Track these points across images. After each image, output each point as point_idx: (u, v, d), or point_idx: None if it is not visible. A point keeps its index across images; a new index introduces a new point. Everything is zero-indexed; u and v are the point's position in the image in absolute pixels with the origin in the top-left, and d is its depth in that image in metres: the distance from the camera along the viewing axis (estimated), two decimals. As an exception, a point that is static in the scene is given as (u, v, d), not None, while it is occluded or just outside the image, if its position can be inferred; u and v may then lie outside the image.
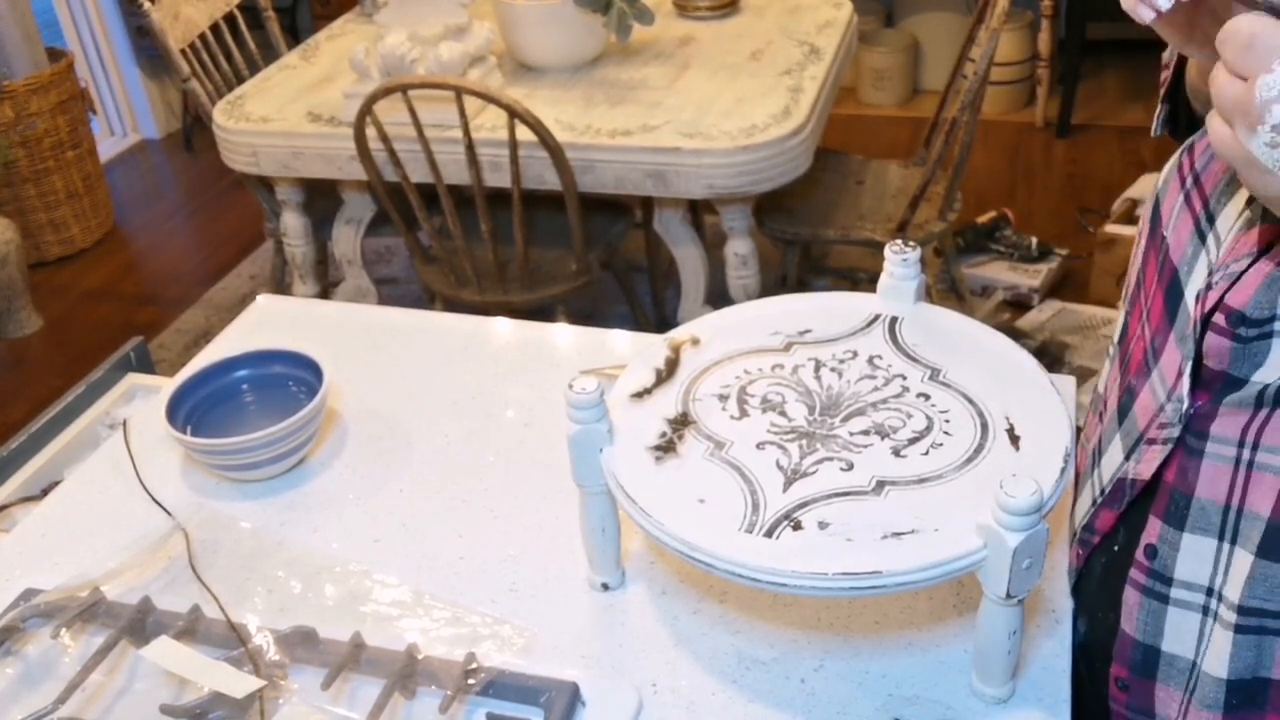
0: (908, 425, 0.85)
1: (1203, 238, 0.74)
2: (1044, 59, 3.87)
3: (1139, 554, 0.81)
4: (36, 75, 3.41)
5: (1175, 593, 0.79)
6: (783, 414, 0.87)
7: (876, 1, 4.17)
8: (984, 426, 0.84)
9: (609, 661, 0.88)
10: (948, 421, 0.85)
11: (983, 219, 3.20)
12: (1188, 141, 0.82)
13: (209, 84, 2.72)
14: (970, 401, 0.87)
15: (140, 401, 1.33)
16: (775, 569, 0.75)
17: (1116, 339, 0.88)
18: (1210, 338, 0.72)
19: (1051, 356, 2.76)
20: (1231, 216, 0.72)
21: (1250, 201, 0.70)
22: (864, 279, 2.95)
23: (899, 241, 0.97)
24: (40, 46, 3.48)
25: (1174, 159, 0.82)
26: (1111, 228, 2.94)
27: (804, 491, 0.80)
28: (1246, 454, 0.73)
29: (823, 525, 0.77)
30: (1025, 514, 0.71)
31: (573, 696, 0.83)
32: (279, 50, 2.83)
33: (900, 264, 0.96)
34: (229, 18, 2.83)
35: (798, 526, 0.77)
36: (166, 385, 1.15)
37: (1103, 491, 0.86)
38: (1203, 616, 0.78)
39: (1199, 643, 0.79)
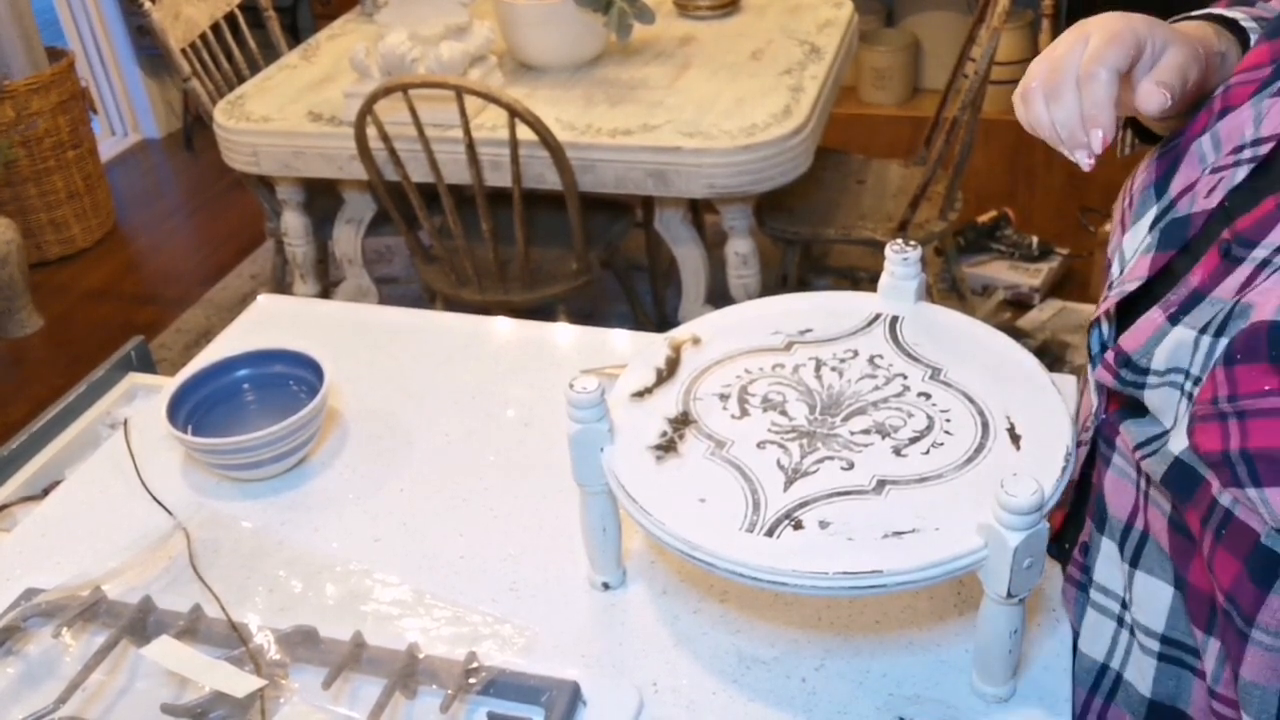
0: (908, 424, 0.85)
1: (1121, 254, 0.77)
2: (1045, 58, 3.87)
3: (1076, 550, 0.84)
4: (37, 75, 3.41)
5: (1094, 595, 0.82)
6: (783, 413, 0.87)
7: (877, 0, 4.17)
8: (985, 426, 0.84)
9: (610, 661, 0.88)
10: (948, 421, 0.85)
11: (983, 218, 3.20)
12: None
13: (209, 83, 2.72)
14: (971, 401, 0.87)
15: (141, 401, 1.33)
16: (776, 568, 0.74)
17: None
18: (1099, 371, 0.73)
19: (1052, 356, 2.76)
20: (1138, 236, 0.74)
21: (1153, 225, 0.71)
22: (865, 278, 2.95)
23: (900, 241, 0.97)
24: (40, 46, 3.48)
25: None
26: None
27: (805, 491, 0.80)
28: (1143, 483, 0.74)
29: (823, 524, 0.77)
30: (1026, 513, 0.71)
31: (573, 696, 0.83)
32: (280, 50, 2.83)
33: (901, 263, 0.96)
34: (230, 17, 2.83)
35: (798, 526, 0.77)
36: (167, 385, 1.15)
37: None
38: (1117, 626, 0.80)
39: (1112, 649, 0.81)
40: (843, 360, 0.92)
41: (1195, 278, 0.67)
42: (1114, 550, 0.79)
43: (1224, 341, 0.64)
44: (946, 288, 2.85)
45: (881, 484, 0.80)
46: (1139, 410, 0.73)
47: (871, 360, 0.92)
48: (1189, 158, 0.72)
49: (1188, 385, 0.67)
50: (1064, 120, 0.71)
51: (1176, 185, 0.72)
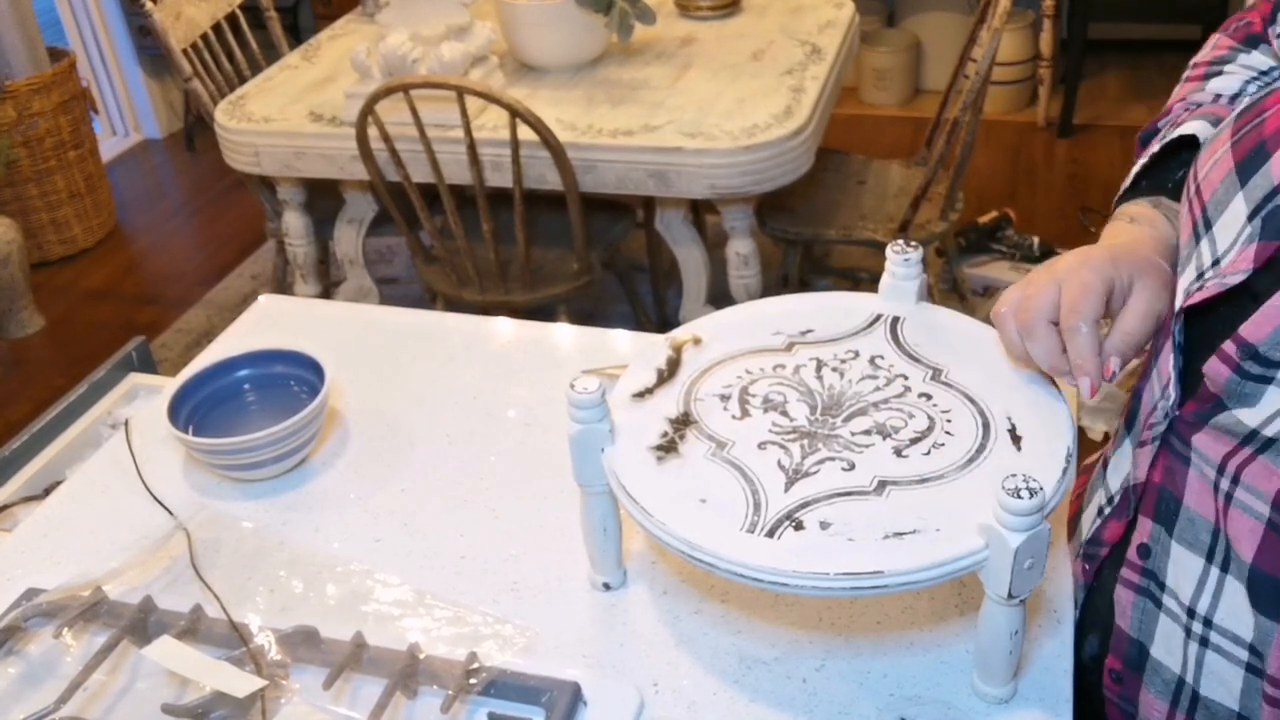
0: (909, 425, 0.85)
1: (1198, 239, 0.75)
2: (1046, 59, 3.87)
3: (1131, 553, 0.82)
4: (38, 75, 3.41)
5: (1166, 600, 0.80)
6: (784, 414, 0.87)
7: (878, 1, 4.17)
8: (986, 426, 0.84)
9: (610, 661, 0.88)
10: (949, 421, 0.85)
11: (984, 219, 3.20)
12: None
13: (211, 84, 2.72)
14: (972, 401, 0.87)
15: (142, 401, 1.33)
16: (777, 569, 0.74)
17: None
18: (1213, 363, 0.71)
19: (1053, 356, 2.76)
20: (1231, 227, 0.72)
21: (1253, 216, 0.70)
22: (865, 279, 2.95)
23: (900, 241, 0.97)
24: (42, 46, 3.48)
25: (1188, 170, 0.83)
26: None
27: (805, 491, 0.80)
28: (1225, 484, 0.73)
29: (824, 525, 0.77)
30: (1027, 514, 0.71)
31: (574, 696, 0.83)
32: (281, 50, 2.83)
33: (902, 264, 0.96)
34: (231, 17, 2.83)
35: (799, 526, 0.77)
36: (168, 385, 1.15)
37: (1109, 501, 0.86)
38: (1185, 636, 0.79)
39: (1184, 660, 0.79)
40: (844, 361, 0.92)
41: None
42: (1186, 555, 0.77)
43: None
44: (948, 288, 2.85)
45: (882, 485, 0.80)
46: (1220, 408, 0.71)
47: (872, 361, 0.92)
48: None
49: None
50: (1041, 357, 0.80)
51: (1277, 170, 0.70)
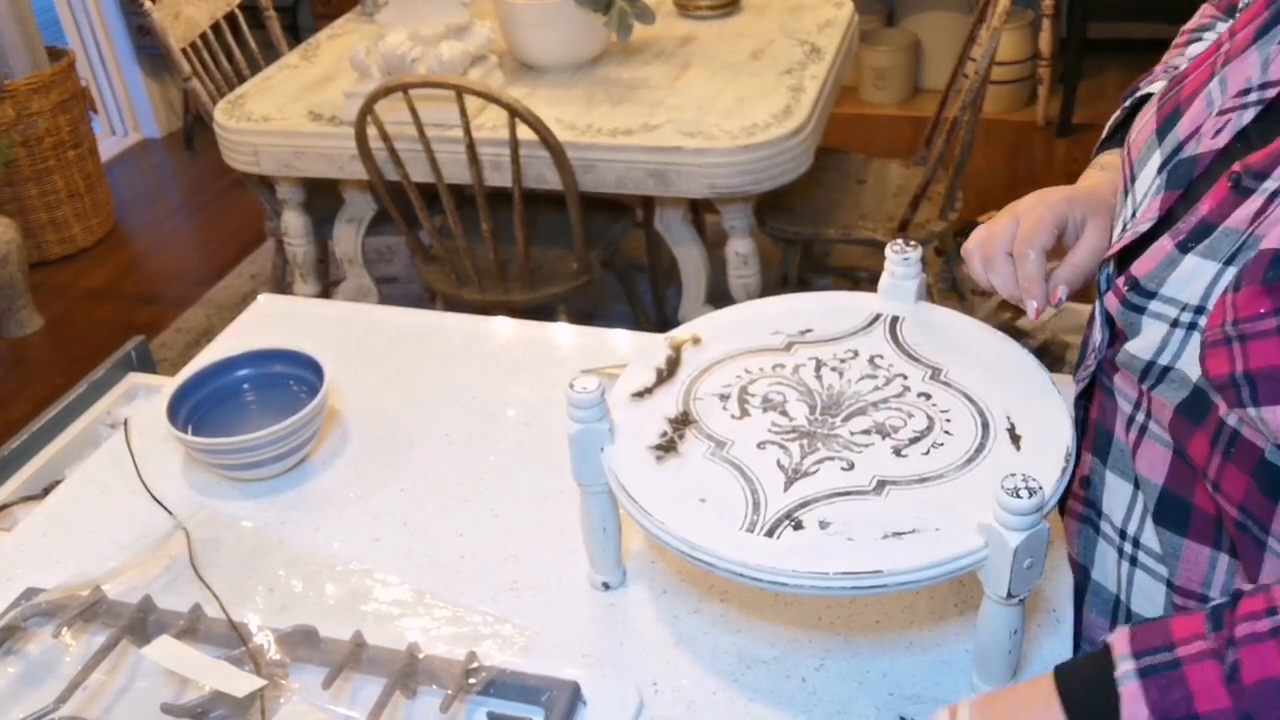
0: (909, 425, 0.85)
1: (1126, 195, 0.82)
2: (1045, 58, 3.87)
3: (1075, 485, 0.88)
4: (37, 74, 3.41)
5: (1104, 526, 0.85)
6: (784, 413, 0.87)
7: (877, 1, 4.17)
8: (985, 426, 0.84)
9: (610, 660, 0.88)
10: (949, 421, 0.85)
11: (984, 218, 3.19)
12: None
13: (210, 83, 2.72)
14: (971, 401, 0.87)
15: (141, 401, 1.33)
16: (776, 568, 0.75)
17: None
18: (1109, 297, 0.78)
19: (1052, 356, 2.76)
20: (1146, 181, 0.78)
21: (1160, 169, 0.76)
22: (865, 278, 2.95)
23: (900, 241, 0.97)
24: (41, 46, 3.48)
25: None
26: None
27: (805, 491, 0.80)
28: (1140, 417, 0.78)
29: (824, 525, 0.77)
30: (1026, 514, 0.71)
31: (573, 695, 0.83)
32: (280, 49, 2.83)
33: (901, 263, 0.96)
34: (230, 17, 2.83)
35: (799, 526, 0.77)
36: (167, 384, 1.15)
37: None
38: (1118, 556, 0.84)
39: (1118, 579, 0.84)
40: (843, 360, 0.92)
41: (1204, 207, 0.71)
42: (1117, 482, 0.82)
43: (1233, 271, 0.67)
44: (947, 288, 2.85)
45: (882, 484, 0.80)
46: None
47: (872, 360, 0.92)
48: (1196, 103, 0.76)
49: (1185, 316, 0.71)
50: (1000, 284, 0.87)
51: (1184, 129, 0.76)
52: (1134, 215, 0.78)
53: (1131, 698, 0.61)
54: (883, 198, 2.60)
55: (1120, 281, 0.76)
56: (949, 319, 0.96)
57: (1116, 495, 0.83)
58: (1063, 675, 0.66)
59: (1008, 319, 2.92)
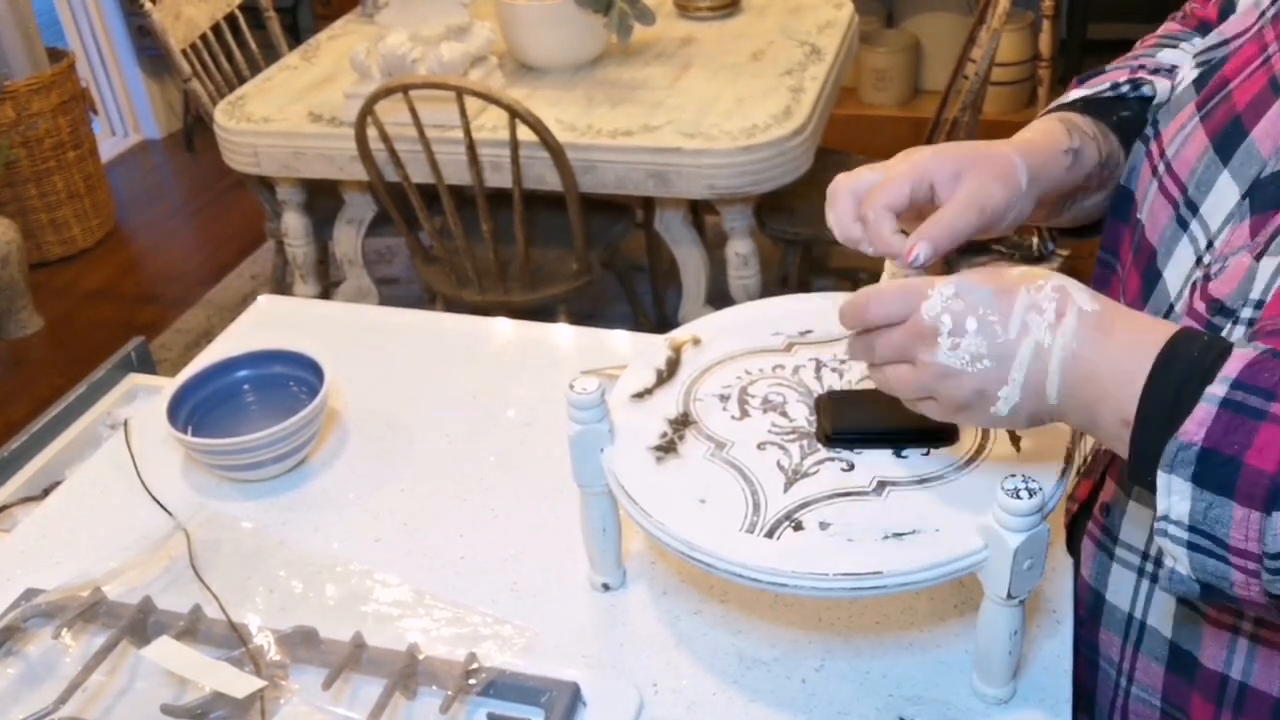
0: (909, 425, 0.85)
1: (1184, 224, 0.76)
2: (1045, 59, 3.87)
3: (1096, 510, 0.87)
4: (37, 75, 3.41)
5: (1119, 551, 0.84)
6: (784, 414, 0.87)
7: (877, 1, 4.17)
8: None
9: (610, 661, 0.88)
10: (949, 422, 0.85)
11: (984, 219, 3.19)
12: (1148, 129, 0.84)
13: (210, 84, 2.72)
14: (971, 402, 0.86)
15: (141, 401, 1.33)
16: (776, 569, 0.74)
17: None
18: (1185, 321, 0.73)
19: (1052, 357, 2.75)
20: (1221, 208, 0.73)
21: (1245, 195, 0.71)
22: (865, 279, 2.95)
23: (900, 242, 0.96)
24: (41, 46, 3.48)
25: (1136, 146, 0.84)
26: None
27: (805, 492, 0.80)
28: None
29: (824, 525, 0.77)
30: (1026, 515, 0.71)
31: (573, 696, 0.83)
32: (280, 50, 2.83)
33: (901, 264, 0.96)
34: (230, 18, 2.83)
35: (799, 527, 0.77)
36: (167, 385, 1.15)
37: (1083, 460, 0.91)
38: (1138, 577, 0.83)
39: (1135, 598, 0.84)
40: (843, 361, 0.92)
41: (1277, 216, 0.67)
42: (1141, 511, 0.81)
43: None
44: (947, 289, 2.85)
45: (881, 485, 0.80)
46: None
47: (872, 361, 0.92)
48: (1266, 120, 0.71)
49: (1246, 312, 0.67)
50: (833, 222, 0.83)
51: (1264, 148, 0.70)
52: (1210, 245, 0.73)
53: (1199, 420, 0.60)
54: (883, 199, 2.60)
55: (1201, 307, 0.71)
56: (949, 320, 0.96)
57: (1139, 522, 0.82)
58: (1177, 350, 0.63)
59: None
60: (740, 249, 2.30)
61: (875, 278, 0.98)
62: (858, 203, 0.81)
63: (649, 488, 0.81)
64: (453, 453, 1.11)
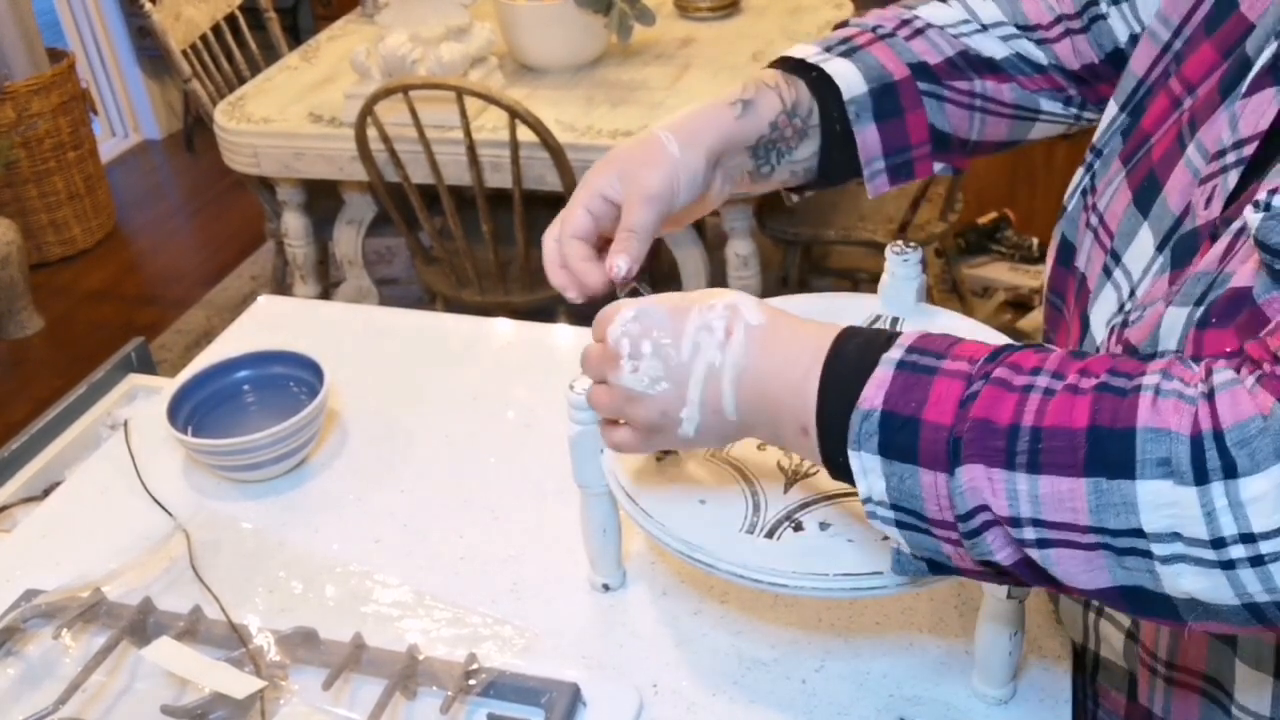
0: (909, 426, 0.85)
1: (1108, 273, 0.77)
2: (1045, 59, 3.86)
3: None
4: (37, 76, 3.41)
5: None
6: (784, 414, 0.87)
7: (877, 2, 4.16)
8: (985, 427, 0.84)
9: (610, 662, 0.88)
10: (949, 422, 0.85)
11: (984, 219, 3.20)
12: (1080, 181, 0.83)
13: (210, 84, 2.72)
14: (971, 402, 0.86)
15: (141, 402, 1.33)
16: (776, 570, 0.74)
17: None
18: None
19: (1052, 357, 2.75)
20: (1140, 259, 0.74)
21: (1160, 247, 0.72)
22: (865, 279, 2.95)
23: (900, 242, 0.96)
24: (41, 47, 3.48)
25: (1075, 196, 0.83)
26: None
27: (805, 492, 0.80)
28: None
29: (824, 526, 0.77)
30: (1026, 515, 0.71)
31: (573, 697, 0.83)
32: (280, 51, 2.83)
33: (901, 264, 0.96)
34: (230, 18, 2.83)
35: (799, 527, 0.77)
36: (168, 386, 1.15)
37: None
38: (1084, 609, 0.83)
39: (1084, 630, 0.84)
40: (843, 361, 0.92)
41: (1192, 268, 0.68)
42: None
43: (1200, 310, 0.64)
44: (947, 289, 2.85)
45: (882, 485, 0.80)
46: None
47: (872, 361, 0.92)
48: (1177, 172, 0.72)
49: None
50: (549, 277, 0.85)
51: (1174, 203, 0.72)
52: (1132, 294, 0.74)
53: (877, 382, 0.61)
54: (882, 199, 2.60)
55: (1118, 350, 0.71)
56: (949, 320, 0.96)
57: None
58: (848, 335, 0.65)
59: (1008, 320, 2.92)
60: (740, 249, 2.30)
61: (875, 279, 0.98)
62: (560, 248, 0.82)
63: (649, 488, 0.82)
64: (453, 453, 1.11)
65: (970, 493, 0.58)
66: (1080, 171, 0.83)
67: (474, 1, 2.38)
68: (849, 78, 0.84)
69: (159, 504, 1.06)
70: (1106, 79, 0.86)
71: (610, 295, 0.79)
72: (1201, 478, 0.53)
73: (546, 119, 2.13)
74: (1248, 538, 0.53)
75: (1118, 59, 0.84)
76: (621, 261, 0.78)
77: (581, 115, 2.27)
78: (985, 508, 0.58)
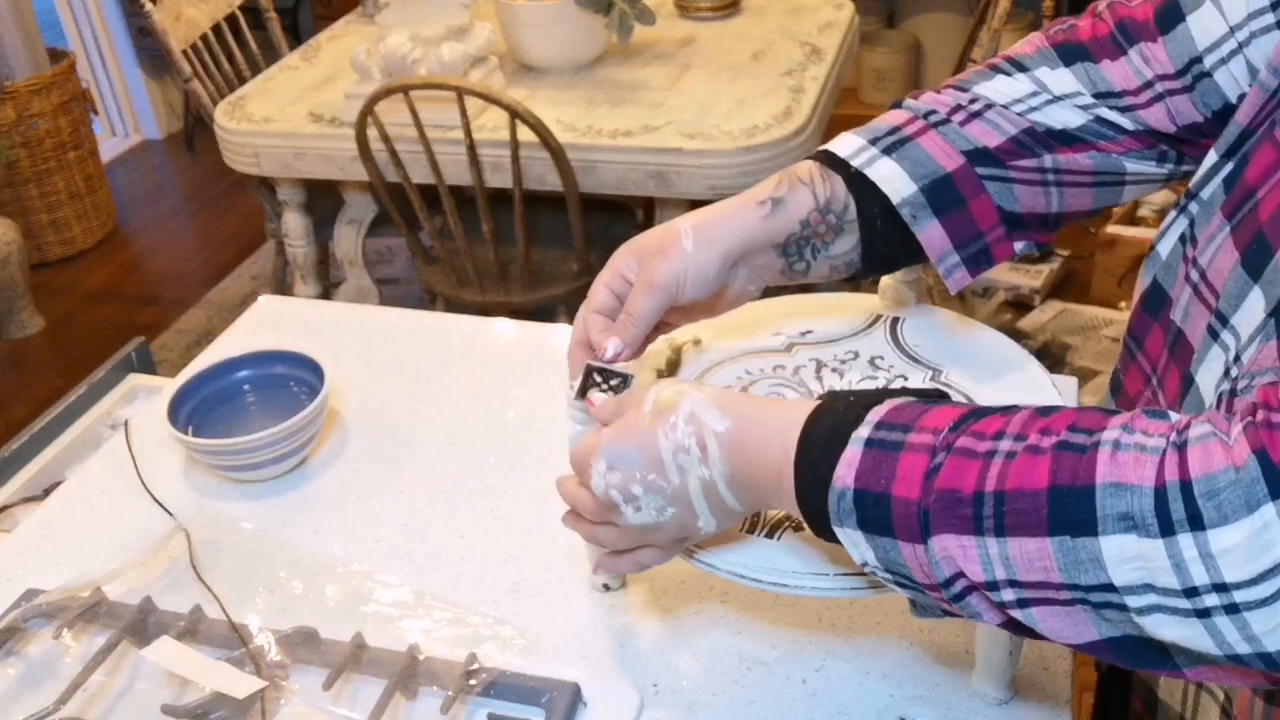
0: (909, 426, 0.85)
1: (1214, 334, 0.74)
2: (1045, 59, 3.86)
3: None
4: (38, 76, 3.41)
5: None
6: (784, 415, 0.87)
7: (878, 2, 4.17)
8: (985, 427, 0.84)
9: (610, 662, 0.88)
10: (949, 422, 0.85)
11: (984, 219, 3.19)
12: (1173, 226, 0.80)
13: (211, 84, 2.72)
14: (972, 402, 0.86)
15: (142, 402, 1.33)
16: (776, 569, 0.75)
17: (1110, 388, 0.87)
18: None
19: (1053, 357, 2.76)
20: (1249, 323, 0.70)
21: (1272, 312, 0.69)
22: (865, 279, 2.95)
23: (900, 242, 0.96)
24: (42, 47, 3.48)
25: (1172, 243, 0.79)
26: (1113, 228, 2.94)
27: (805, 492, 0.80)
28: None
29: (824, 526, 0.77)
30: (1026, 515, 0.71)
31: (574, 697, 0.83)
32: (280, 51, 2.83)
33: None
34: (230, 18, 2.83)
35: (799, 527, 0.77)
36: (168, 386, 1.15)
37: None
38: None
39: None
40: (844, 362, 0.92)
41: None
42: None
43: None
44: (947, 289, 2.85)
45: (882, 485, 0.80)
46: None
47: (872, 362, 0.92)
48: None
49: None
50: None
51: None
52: (1238, 359, 0.71)
53: (847, 462, 0.63)
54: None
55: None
56: (949, 320, 0.96)
57: None
58: (816, 416, 0.66)
59: (1008, 320, 2.92)
60: (740, 249, 2.30)
61: (875, 279, 0.98)
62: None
63: (649, 488, 0.81)
64: (453, 453, 1.11)
65: (945, 561, 0.60)
66: (1174, 214, 0.79)
67: (474, 1, 2.37)
68: (894, 180, 0.81)
69: (159, 504, 1.06)
70: (1210, 135, 0.80)
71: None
72: (1167, 529, 0.53)
73: (547, 119, 2.13)
74: (1220, 587, 0.52)
75: (1225, 114, 0.79)
76: (612, 344, 0.81)
77: (582, 115, 2.27)
78: (961, 574, 0.60)
